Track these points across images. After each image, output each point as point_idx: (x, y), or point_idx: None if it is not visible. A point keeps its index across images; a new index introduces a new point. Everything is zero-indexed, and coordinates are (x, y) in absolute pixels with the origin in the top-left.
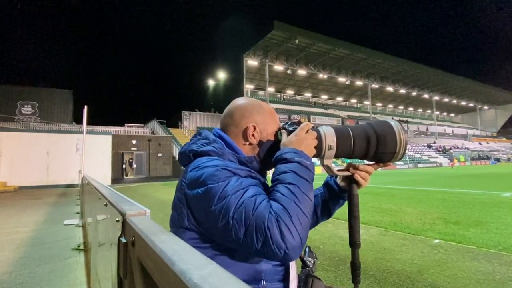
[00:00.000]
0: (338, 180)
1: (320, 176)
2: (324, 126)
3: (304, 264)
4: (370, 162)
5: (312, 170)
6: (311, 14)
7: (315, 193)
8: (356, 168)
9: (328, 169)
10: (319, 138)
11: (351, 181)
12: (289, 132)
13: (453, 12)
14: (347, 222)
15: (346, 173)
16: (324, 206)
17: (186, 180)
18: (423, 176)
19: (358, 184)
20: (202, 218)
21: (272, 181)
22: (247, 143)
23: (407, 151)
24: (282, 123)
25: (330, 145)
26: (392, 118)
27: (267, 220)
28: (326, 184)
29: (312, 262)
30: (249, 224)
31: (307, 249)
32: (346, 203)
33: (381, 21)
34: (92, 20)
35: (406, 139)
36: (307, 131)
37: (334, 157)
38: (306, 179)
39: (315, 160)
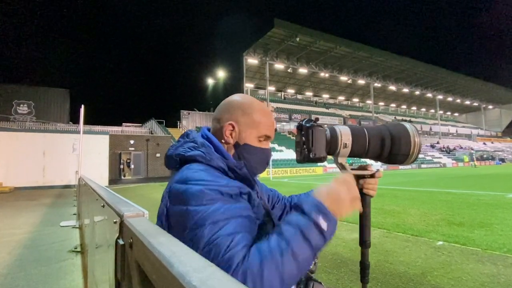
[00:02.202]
0: None
1: (319, 177)
2: (340, 125)
3: None
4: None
5: (326, 237)
6: (312, 11)
7: None
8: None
9: (341, 166)
10: (335, 135)
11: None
12: (305, 129)
13: (458, 9)
14: (349, 224)
15: (359, 172)
16: None
17: (170, 192)
18: (426, 177)
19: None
20: (177, 237)
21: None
22: (223, 141)
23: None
24: (300, 120)
25: (346, 143)
26: (395, 118)
27: (233, 270)
28: None
29: (313, 263)
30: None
31: None
32: None
33: (383, 19)
34: (89, 18)
35: (420, 142)
36: (347, 184)
37: (348, 156)
38: (311, 243)
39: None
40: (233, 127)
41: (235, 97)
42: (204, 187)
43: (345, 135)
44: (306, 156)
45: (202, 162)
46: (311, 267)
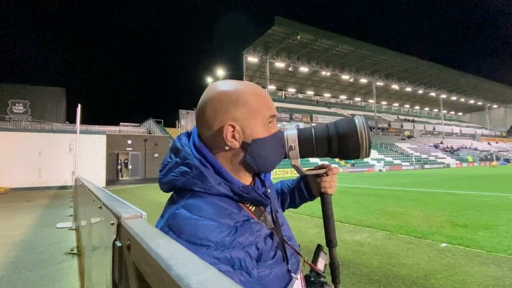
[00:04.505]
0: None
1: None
2: (290, 129)
3: (317, 273)
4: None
5: None
6: (314, 8)
7: (284, 191)
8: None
9: (296, 169)
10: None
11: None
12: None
13: (462, 8)
14: (351, 225)
15: (313, 172)
16: (292, 203)
17: (157, 226)
18: (430, 177)
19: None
20: None
21: None
22: (227, 148)
23: (412, 152)
24: None
25: (291, 146)
26: (398, 117)
27: None
28: (298, 189)
29: (323, 264)
30: None
31: (318, 249)
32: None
33: (386, 17)
34: (87, 16)
35: (368, 134)
36: None
37: (301, 157)
38: None
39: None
40: (234, 127)
41: (213, 92)
42: (193, 241)
43: (291, 139)
44: None
45: (199, 191)
46: (320, 268)
